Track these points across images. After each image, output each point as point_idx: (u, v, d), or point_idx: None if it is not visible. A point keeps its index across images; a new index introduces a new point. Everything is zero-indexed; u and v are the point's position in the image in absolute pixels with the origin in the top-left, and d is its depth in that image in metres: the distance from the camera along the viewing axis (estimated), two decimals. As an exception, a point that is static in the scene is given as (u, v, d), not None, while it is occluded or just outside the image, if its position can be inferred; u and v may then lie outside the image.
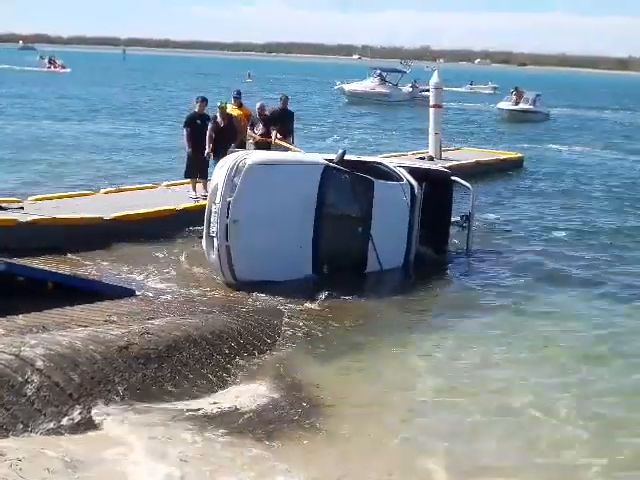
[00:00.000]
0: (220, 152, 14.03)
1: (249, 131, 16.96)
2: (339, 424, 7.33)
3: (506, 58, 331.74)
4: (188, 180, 15.89)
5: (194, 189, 15.45)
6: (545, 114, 49.37)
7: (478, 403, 7.99)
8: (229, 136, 15.02)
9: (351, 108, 53.32)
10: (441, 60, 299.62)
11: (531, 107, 47.81)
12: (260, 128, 17.03)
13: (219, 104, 15.43)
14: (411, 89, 59.92)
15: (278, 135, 17.14)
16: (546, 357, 9.43)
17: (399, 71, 62.11)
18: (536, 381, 8.66)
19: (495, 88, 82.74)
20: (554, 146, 34.19)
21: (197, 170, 15.44)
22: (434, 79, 22.93)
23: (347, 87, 60.31)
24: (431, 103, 23.05)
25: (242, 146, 16.01)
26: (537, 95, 49.80)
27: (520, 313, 11.01)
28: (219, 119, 15.33)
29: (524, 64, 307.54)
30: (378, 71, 61.62)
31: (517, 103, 47.90)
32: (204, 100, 15.67)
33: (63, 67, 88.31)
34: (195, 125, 15.30)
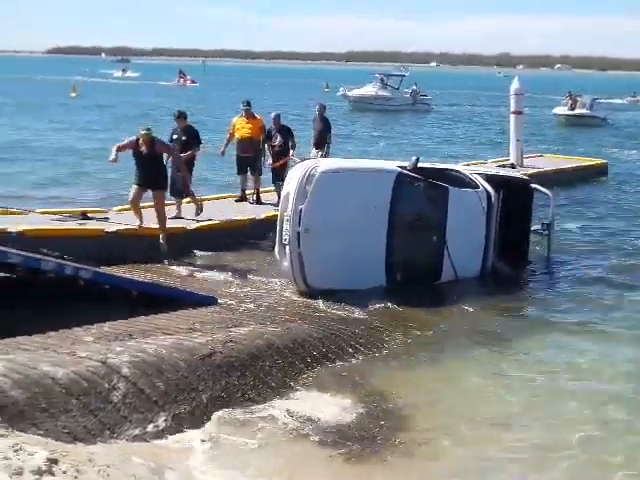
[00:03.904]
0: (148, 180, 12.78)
1: (266, 144, 15.96)
2: (421, 440, 7.20)
3: (586, 63, 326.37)
4: (272, 188, 16.00)
5: (177, 208, 14.43)
6: (602, 119, 47.62)
7: (563, 420, 7.80)
8: (152, 166, 12.83)
9: (356, 114, 52.45)
10: (520, 66, 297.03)
11: (587, 112, 46.56)
12: (278, 140, 15.86)
13: (142, 132, 12.83)
14: (411, 93, 58.80)
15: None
16: (631, 374, 9.10)
17: (399, 75, 60.79)
18: (625, 399, 8.39)
19: None
20: (616, 150, 33.00)
21: (177, 189, 14.25)
22: (515, 85, 22.62)
23: (351, 93, 59.09)
24: (512, 109, 22.73)
25: (257, 160, 15.75)
26: (594, 99, 48.54)
27: (604, 329, 10.63)
28: (142, 146, 12.81)
29: (604, 69, 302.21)
30: (378, 75, 60.45)
31: (573, 108, 46.75)
32: (181, 115, 14.67)
33: (192, 81, 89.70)
34: (171, 142, 14.18)
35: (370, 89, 58.79)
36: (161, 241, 12.69)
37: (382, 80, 58.95)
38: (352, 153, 19.97)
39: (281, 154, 15.79)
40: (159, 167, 13.03)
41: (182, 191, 14.17)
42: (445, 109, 61.70)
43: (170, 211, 13.73)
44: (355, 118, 48.86)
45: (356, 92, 59.10)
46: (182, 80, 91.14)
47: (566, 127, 44.90)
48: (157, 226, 12.79)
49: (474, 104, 70.23)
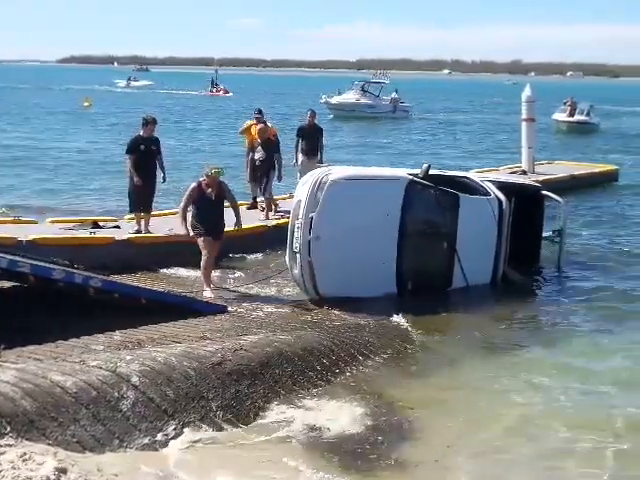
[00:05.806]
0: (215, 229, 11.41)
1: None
2: (426, 455, 7.08)
3: (598, 70, 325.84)
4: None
5: (138, 223, 13.50)
6: (596, 125, 47.25)
7: (576, 427, 7.70)
8: (218, 211, 11.49)
9: (339, 122, 51.07)
10: (532, 73, 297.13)
11: (586, 118, 46.18)
12: (260, 154, 15.16)
13: (213, 171, 11.36)
14: (391, 100, 57.96)
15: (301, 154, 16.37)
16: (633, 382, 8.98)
17: (379, 82, 60.06)
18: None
19: None
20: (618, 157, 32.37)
21: (141, 203, 13.40)
22: (526, 92, 22.57)
23: (333, 100, 58.09)
24: (523, 117, 22.66)
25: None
26: (590, 106, 48.24)
27: (615, 336, 10.53)
28: (204, 187, 11.37)
29: (617, 76, 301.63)
30: (357, 82, 59.89)
31: (572, 114, 46.53)
32: (153, 122, 13.55)
33: (226, 91, 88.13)
34: (139, 152, 13.19)
35: (351, 96, 58.20)
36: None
37: (362, 87, 58.50)
38: (349, 162, 19.69)
39: (261, 168, 15.18)
40: (222, 212, 11.62)
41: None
42: (442, 117, 61.45)
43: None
44: (339, 126, 47.84)
45: (337, 99, 58.43)
46: (215, 90, 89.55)
47: (565, 133, 44.54)
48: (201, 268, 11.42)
49: (471, 111, 70.11)
